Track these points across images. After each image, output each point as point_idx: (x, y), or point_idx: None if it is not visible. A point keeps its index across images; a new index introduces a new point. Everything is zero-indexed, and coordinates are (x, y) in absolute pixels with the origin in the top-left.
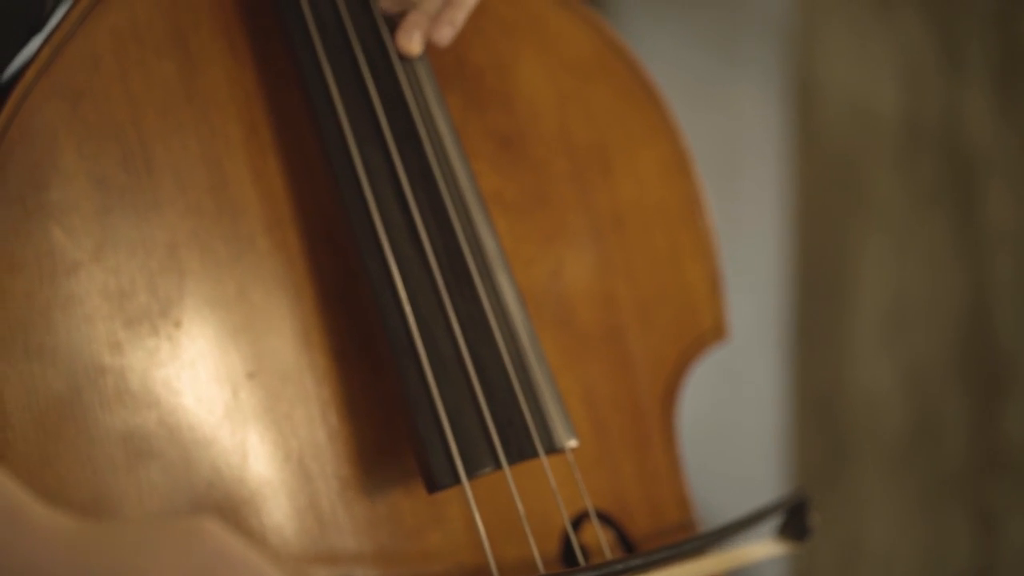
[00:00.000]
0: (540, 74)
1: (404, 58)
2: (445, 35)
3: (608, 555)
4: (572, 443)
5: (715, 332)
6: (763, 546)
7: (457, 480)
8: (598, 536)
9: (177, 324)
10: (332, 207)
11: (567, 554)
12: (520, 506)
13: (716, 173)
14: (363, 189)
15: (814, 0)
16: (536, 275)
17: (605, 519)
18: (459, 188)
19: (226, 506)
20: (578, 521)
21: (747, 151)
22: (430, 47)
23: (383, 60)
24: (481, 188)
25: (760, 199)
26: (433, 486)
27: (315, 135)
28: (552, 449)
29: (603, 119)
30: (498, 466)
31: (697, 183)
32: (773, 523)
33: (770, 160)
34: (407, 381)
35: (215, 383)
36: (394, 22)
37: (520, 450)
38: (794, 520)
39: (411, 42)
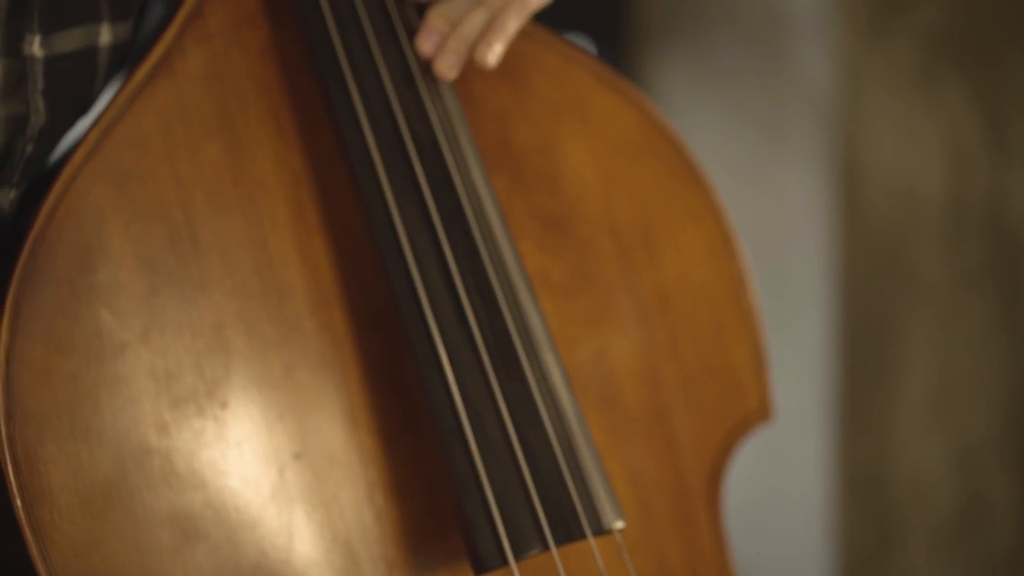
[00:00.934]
0: (585, 154)
1: (439, 82)
2: (494, 53)
3: None
4: (619, 524)
5: (760, 412)
6: None
7: (505, 561)
8: None
9: (223, 405)
10: (378, 287)
11: None
12: None
13: (761, 252)
14: (410, 270)
15: (859, 79)
16: (582, 356)
17: None
18: (505, 269)
19: None
20: None
21: (792, 230)
22: (477, 116)
23: (430, 142)
24: (527, 268)
25: (805, 278)
26: (480, 567)
27: (361, 215)
28: (600, 531)
29: (648, 199)
30: (546, 547)
31: (742, 262)
32: None
33: (815, 239)
34: (454, 462)
35: (261, 464)
36: (442, 100)
37: (568, 531)
38: None
39: (448, 68)
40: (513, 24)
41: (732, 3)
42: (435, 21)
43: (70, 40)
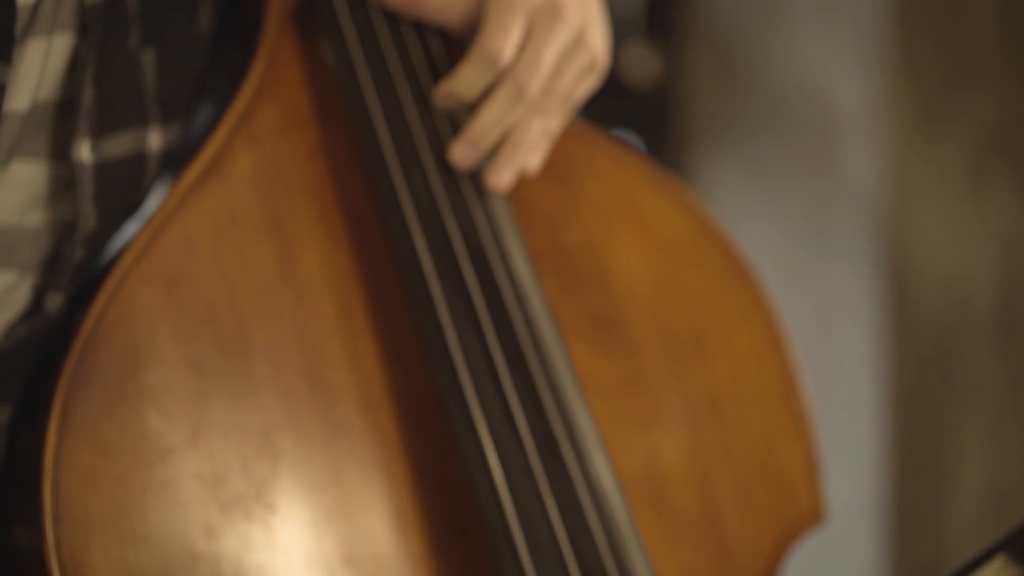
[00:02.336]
0: (634, 255)
1: (491, 194)
2: (536, 158)
3: None
4: None
5: (813, 515)
6: None
7: None
8: None
9: (271, 508)
10: (426, 387)
11: None
12: None
13: (811, 352)
14: (458, 372)
15: (907, 177)
16: (633, 458)
17: None
18: (555, 371)
19: None
20: None
21: (841, 329)
22: (527, 217)
23: (479, 244)
24: (577, 370)
25: (855, 377)
26: None
27: (410, 316)
28: None
29: (698, 300)
30: None
31: (793, 363)
32: None
33: (865, 338)
34: (503, 565)
35: (310, 569)
36: (491, 202)
37: None
38: None
39: (500, 179)
40: (556, 125)
41: (781, 102)
42: (471, 133)
43: (119, 144)
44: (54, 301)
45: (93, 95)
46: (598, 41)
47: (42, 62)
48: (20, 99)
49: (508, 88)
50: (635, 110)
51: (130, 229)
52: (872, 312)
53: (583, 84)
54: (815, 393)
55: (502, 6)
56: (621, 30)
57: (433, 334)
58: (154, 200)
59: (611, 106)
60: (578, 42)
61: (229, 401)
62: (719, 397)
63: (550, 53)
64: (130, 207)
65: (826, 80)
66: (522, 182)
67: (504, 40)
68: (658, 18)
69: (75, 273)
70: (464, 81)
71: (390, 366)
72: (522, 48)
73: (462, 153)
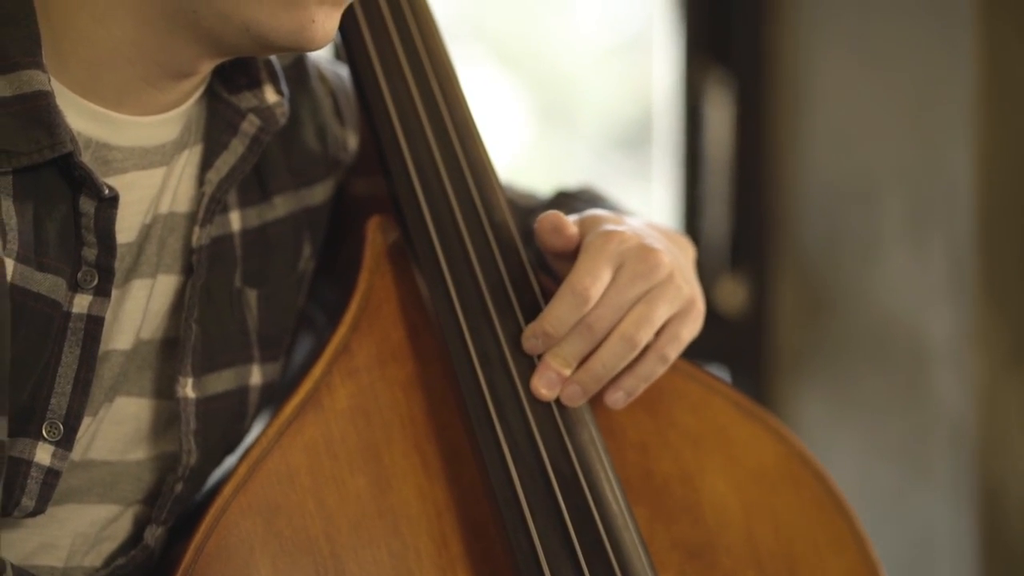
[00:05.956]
0: (726, 484)
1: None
2: (618, 400)
3: None
4: None
5: None
6: None
7: None
8: None
9: None
10: None
11: None
12: None
13: None
14: None
15: (997, 404)
16: None
17: None
18: None
19: None
20: None
21: (935, 557)
22: (619, 447)
23: (572, 476)
24: None
25: None
26: None
27: (504, 546)
28: None
29: (790, 528)
30: None
31: None
32: None
33: (959, 567)
34: None
35: None
36: (584, 434)
37: None
38: None
39: (572, 396)
40: (653, 361)
41: (870, 333)
42: (552, 359)
43: (222, 381)
44: (152, 534)
45: (197, 334)
46: (691, 283)
47: (146, 302)
48: (123, 338)
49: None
50: (722, 341)
51: (230, 459)
52: (965, 540)
53: (681, 325)
54: None
55: (593, 247)
56: (707, 260)
57: (528, 565)
58: (254, 432)
59: (699, 337)
60: (669, 283)
61: None
62: None
63: (636, 292)
64: (231, 442)
65: (915, 310)
66: (614, 412)
67: (592, 278)
68: (745, 249)
69: (174, 507)
70: (553, 317)
71: None
72: (610, 286)
73: (548, 383)
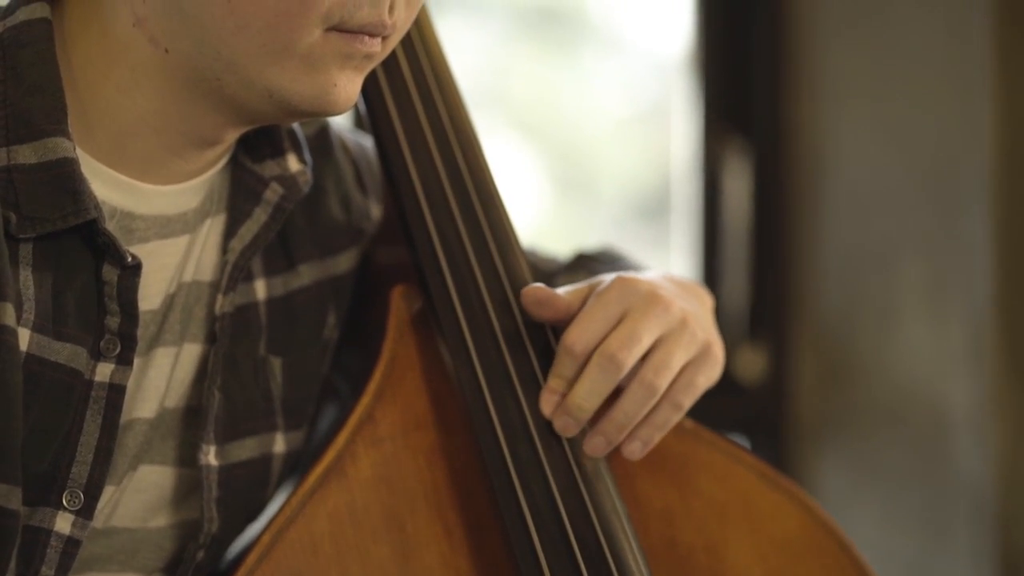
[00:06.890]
0: (750, 553)
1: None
2: (635, 450)
3: None
4: None
5: None
6: None
7: None
8: None
9: None
10: None
11: None
12: None
13: None
14: None
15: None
16: None
17: None
18: None
19: None
20: None
21: None
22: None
23: (596, 545)
24: None
25: None
26: None
27: None
28: None
29: None
30: None
31: None
32: None
33: None
34: None
35: None
36: (608, 502)
37: None
38: None
39: (595, 447)
40: (668, 408)
41: (890, 401)
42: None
43: (245, 449)
44: None
45: (220, 402)
46: (707, 330)
47: (170, 370)
48: (147, 406)
49: (599, 361)
50: (742, 410)
51: (253, 528)
52: None
53: (696, 372)
54: None
55: (596, 298)
56: (726, 329)
57: None
58: (278, 501)
59: (718, 406)
60: (682, 328)
61: None
62: None
63: (647, 335)
64: (253, 510)
65: (935, 378)
66: (637, 480)
67: (580, 331)
68: (764, 317)
69: (196, 575)
70: (556, 374)
71: None
72: (617, 329)
73: (563, 422)
